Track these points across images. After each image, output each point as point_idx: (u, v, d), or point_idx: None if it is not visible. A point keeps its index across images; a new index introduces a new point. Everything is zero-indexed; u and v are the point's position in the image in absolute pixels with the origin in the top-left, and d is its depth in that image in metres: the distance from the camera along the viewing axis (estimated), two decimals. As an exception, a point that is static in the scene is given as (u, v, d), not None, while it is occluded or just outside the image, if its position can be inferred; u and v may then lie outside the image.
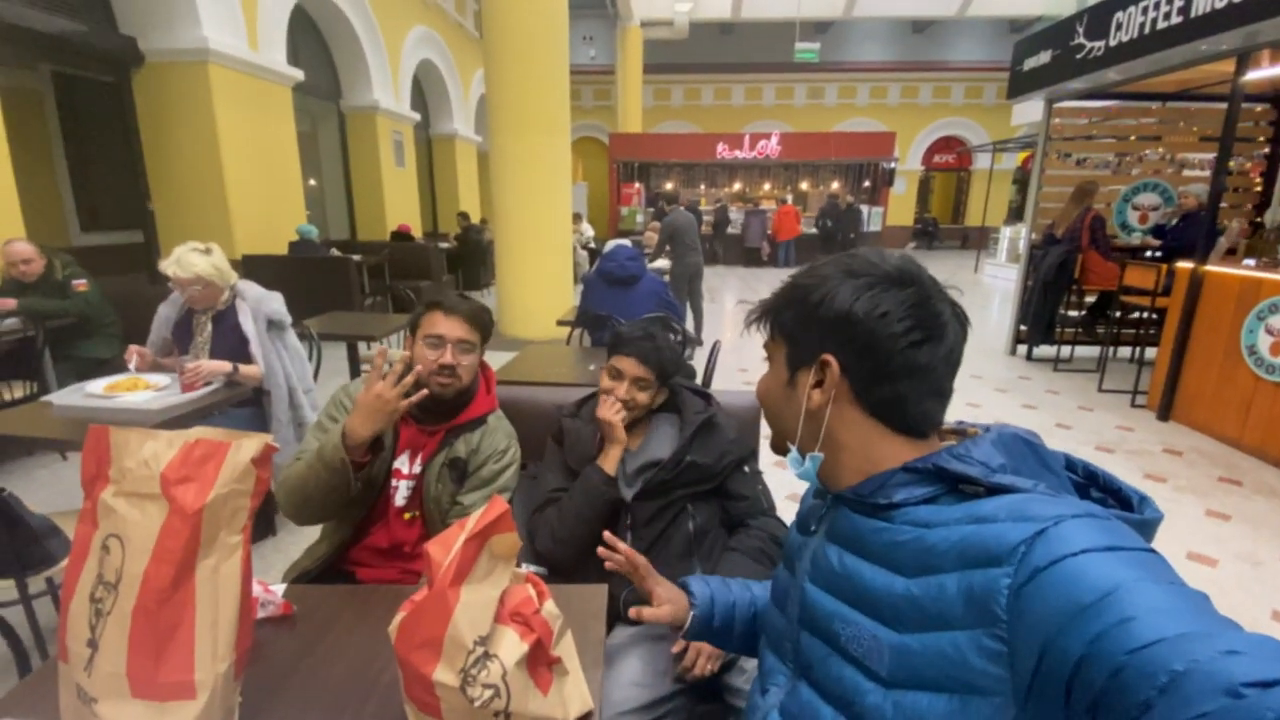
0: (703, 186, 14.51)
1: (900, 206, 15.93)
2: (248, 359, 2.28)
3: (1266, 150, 5.00)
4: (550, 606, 0.73)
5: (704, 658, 1.10)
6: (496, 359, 3.03)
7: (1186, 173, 5.20)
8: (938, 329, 0.62)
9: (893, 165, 13.66)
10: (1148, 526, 0.56)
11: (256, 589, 0.93)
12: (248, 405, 2.37)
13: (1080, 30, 4.42)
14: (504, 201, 5.80)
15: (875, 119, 16.01)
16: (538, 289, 5.94)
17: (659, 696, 1.10)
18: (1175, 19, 3.59)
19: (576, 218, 11.01)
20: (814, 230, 12.46)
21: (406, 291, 5.35)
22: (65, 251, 3.56)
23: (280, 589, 0.99)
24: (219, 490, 0.69)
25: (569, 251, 6.25)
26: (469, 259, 9.18)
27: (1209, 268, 3.67)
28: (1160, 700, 0.39)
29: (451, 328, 1.31)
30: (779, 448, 0.72)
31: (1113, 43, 4.13)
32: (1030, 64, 5.06)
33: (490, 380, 1.44)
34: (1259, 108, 4.91)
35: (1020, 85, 5.25)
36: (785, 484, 2.91)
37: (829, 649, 0.64)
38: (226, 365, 2.18)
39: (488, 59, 5.67)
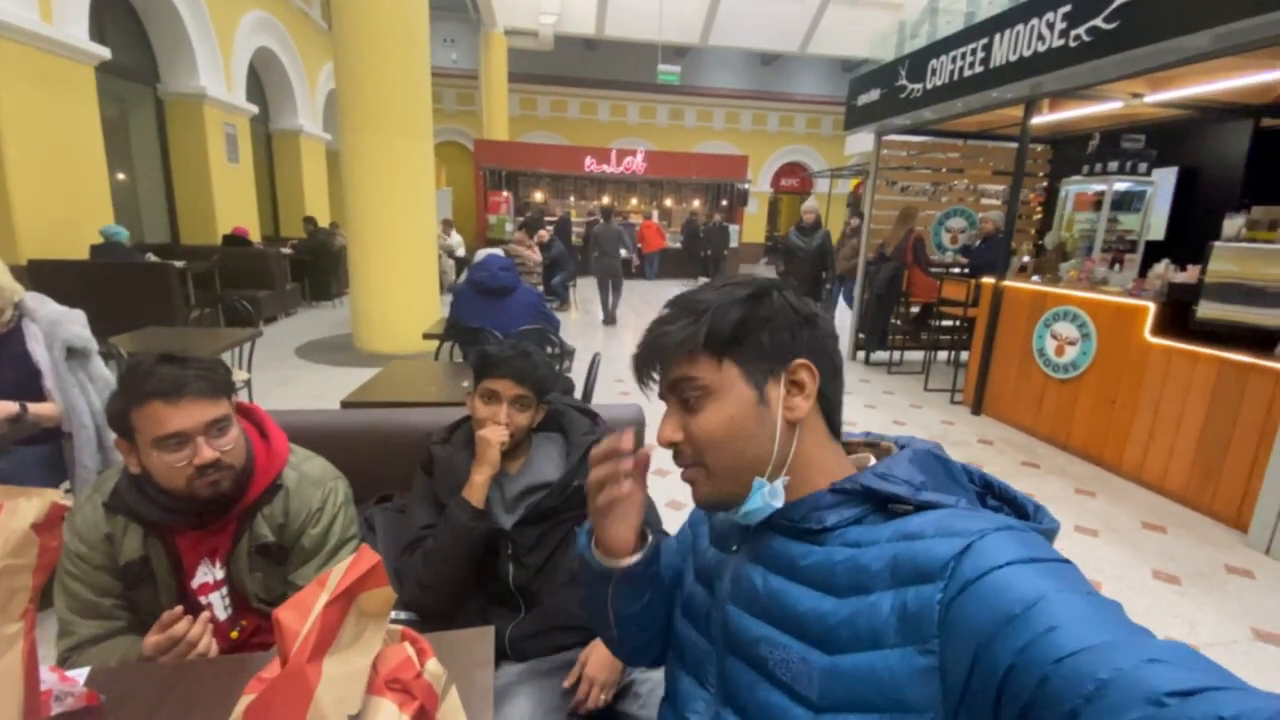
0: (572, 198, 14.54)
1: (753, 225, 17.06)
2: (40, 395, 1.86)
3: (1045, 184, 6.01)
4: (433, 665, 0.65)
5: (597, 688, 1.07)
6: (353, 376, 2.76)
7: (985, 200, 6.10)
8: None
9: (746, 186, 14.61)
10: (1048, 536, 0.58)
11: (48, 679, 0.75)
12: (39, 444, 1.92)
13: (903, 73, 5.03)
14: (359, 204, 5.39)
15: (730, 142, 17.05)
16: (399, 299, 5.57)
17: (552, 732, 1.05)
18: (978, 68, 4.20)
19: (446, 224, 10.54)
20: (677, 245, 13.00)
21: (241, 303, 4.75)
22: None
23: (81, 674, 0.81)
24: None
25: (434, 259, 5.94)
26: (317, 266, 8.42)
27: (1007, 283, 4.31)
28: (1086, 708, 0.40)
29: (188, 416, 0.98)
30: (732, 489, 0.63)
31: (929, 86, 4.74)
32: (863, 99, 5.66)
33: (265, 426, 1.16)
34: (1039, 148, 5.89)
35: (855, 118, 5.84)
36: (664, 492, 2.96)
37: (756, 674, 0.63)
38: (13, 406, 1.76)
39: (338, 52, 5.26)
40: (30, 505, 0.58)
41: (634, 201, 14.94)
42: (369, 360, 5.23)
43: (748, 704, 0.63)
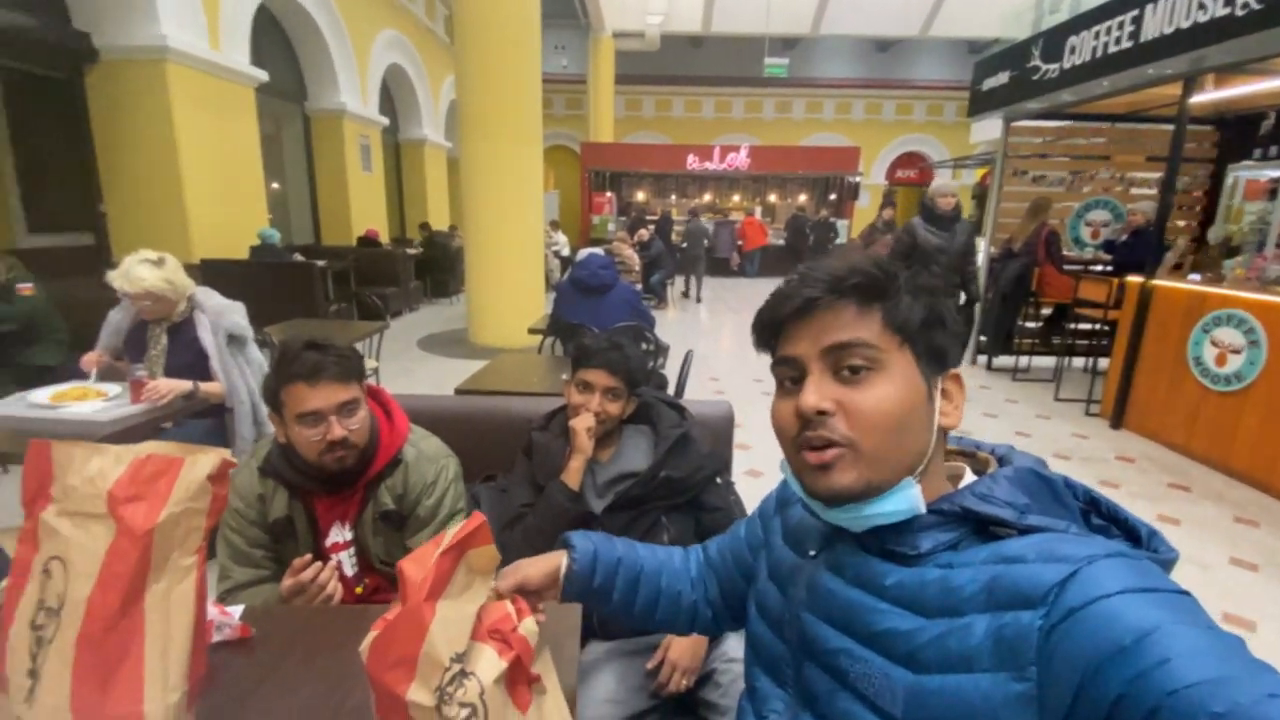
0: (674, 197, 14.62)
1: (865, 220, 16.31)
2: (207, 375, 2.17)
3: (1208, 170, 5.28)
4: (529, 623, 0.70)
5: (679, 673, 1.10)
6: (467, 367, 2.99)
7: (1134, 190, 5.45)
8: None
9: (857, 179, 13.98)
10: (1164, 566, 0.54)
11: (212, 611, 0.88)
12: (207, 417, 2.26)
13: (1036, 53, 4.61)
14: (474, 208, 5.75)
15: (841, 134, 16.38)
16: (509, 296, 5.89)
17: (634, 713, 1.08)
18: (1126, 44, 3.77)
19: (553, 225, 10.98)
20: (780, 242, 12.68)
21: (372, 299, 5.24)
22: (10, 254, 3.40)
23: (238, 610, 0.95)
24: (171, 509, 0.65)
25: (540, 259, 6.21)
26: (437, 266, 9.07)
27: (1157, 282, 3.84)
28: None
29: (325, 397, 1.12)
30: (881, 479, 0.57)
31: (1066, 66, 4.31)
32: (989, 84, 5.25)
33: (389, 405, 1.30)
34: (1202, 129, 5.18)
35: (980, 104, 5.43)
36: (743, 461, 2.93)
37: (835, 684, 0.61)
38: (186, 384, 2.07)
39: (459, 65, 5.63)
40: (206, 460, 0.69)
41: (736, 198, 14.78)
42: (481, 353, 5.57)
43: (828, 712, 0.62)
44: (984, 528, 0.57)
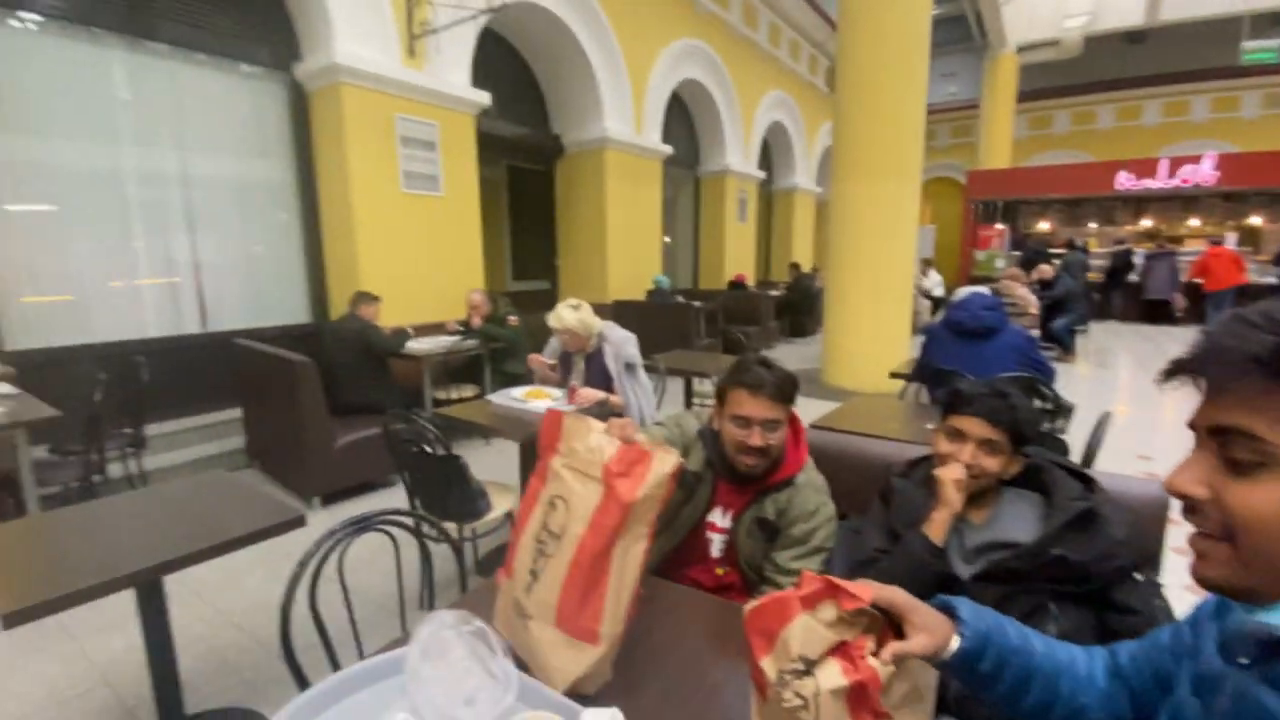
0: (1094, 224, 11.95)
1: None
2: (612, 391, 2.71)
3: None
4: (882, 661, 0.70)
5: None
6: (817, 407, 2.98)
7: None
8: None
9: None
10: None
11: None
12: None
13: None
14: (840, 248, 5.73)
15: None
16: (869, 338, 5.65)
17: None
18: None
19: (925, 264, 10.21)
20: (1272, 279, 9.03)
21: (737, 335, 5.73)
22: (504, 295, 4.82)
23: None
24: (646, 490, 0.84)
25: (908, 300, 5.81)
26: (797, 306, 9.32)
27: None
28: None
29: (758, 408, 1.30)
30: (1259, 585, 0.50)
31: None
32: None
33: (799, 433, 1.42)
34: None
35: None
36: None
37: None
38: (602, 394, 2.62)
39: (838, 111, 5.74)
40: (669, 459, 0.88)
41: (1193, 223, 11.27)
42: (833, 394, 5.47)
43: None
44: None
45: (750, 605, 0.78)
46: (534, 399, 2.62)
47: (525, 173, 6.79)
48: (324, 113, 4.24)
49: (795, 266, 10.20)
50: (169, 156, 3.77)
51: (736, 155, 9.06)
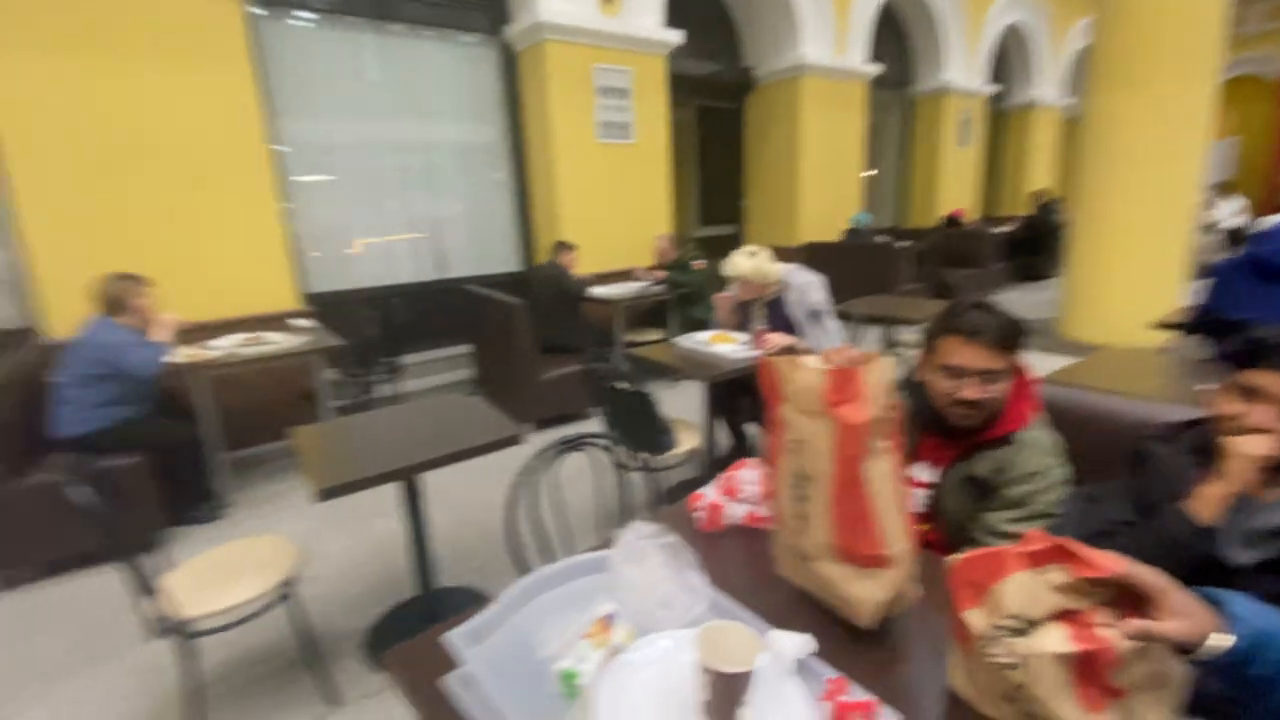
0: None
1: None
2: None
3: None
4: (1115, 633, 0.64)
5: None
6: (1045, 365, 2.59)
7: None
8: None
9: None
10: None
11: None
12: None
13: None
14: (1095, 173, 4.75)
15: None
16: (1124, 283, 4.69)
17: None
18: None
19: (1222, 188, 8.06)
20: None
21: (952, 279, 5.10)
22: (691, 239, 4.86)
23: None
24: (872, 410, 0.83)
25: (1185, 235, 4.68)
26: (1032, 244, 8.01)
27: None
28: None
29: (973, 357, 1.15)
30: None
31: None
32: None
33: (1025, 388, 1.23)
34: None
35: None
36: None
37: None
38: (790, 339, 2.54)
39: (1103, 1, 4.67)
40: (881, 366, 0.86)
41: None
42: (1069, 349, 4.69)
43: None
44: None
45: (956, 557, 0.74)
46: (719, 343, 2.63)
47: (715, 112, 6.62)
48: (530, 71, 4.53)
49: (1039, 195, 8.67)
50: (410, 127, 4.34)
51: (958, 69, 7.88)
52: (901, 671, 0.82)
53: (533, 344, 3.56)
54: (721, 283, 2.81)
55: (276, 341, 3.08)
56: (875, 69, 6.65)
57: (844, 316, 2.94)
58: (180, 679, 1.77)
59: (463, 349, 4.48)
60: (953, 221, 7.80)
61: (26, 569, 2.42)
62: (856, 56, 6.53)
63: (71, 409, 2.48)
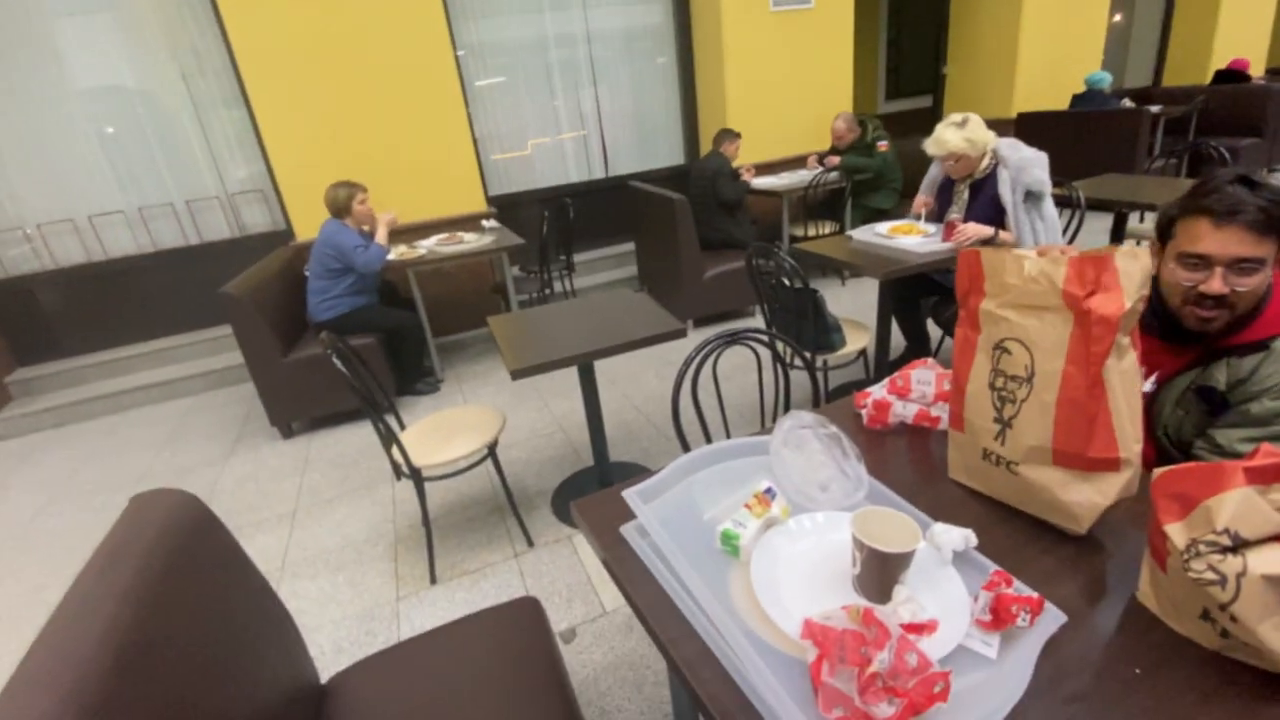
0: None
1: None
2: (1003, 227, 2.26)
3: None
4: None
5: None
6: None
7: None
8: None
9: None
10: None
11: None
12: None
13: None
14: None
15: None
16: None
17: None
18: None
19: None
20: None
21: (1217, 151, 4.01)
22: (874, 117, 4.35)
23: None
24: (1130, 301, 0.76)
25: None
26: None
27: None
28: None
29: (1225, 242, 0.95)
30: None
31: None
32: None
33: None
34: None
35: None
36: None
37: None
38: (988, 230, 2.23)
39: None
40: (1137, 254, 0.77)
41: None
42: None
43: None
44: None
45: (1163, 469, 0.68)
46: (900, 235, 2.41)
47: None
48: (699, -62, 4.18)
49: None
50: (574, 18, 4.29)
51: None
52: (1080, 580, 0.78)
53: (694, 241, 3.55)
54: (911, 166, 2.51)
55: (469, 241, 3.43)
56: None
57: (1063, 202, 2.50)
58: (418, 512, 2.21)
59: (628, 246, 4.61)
60: (1231, 74, 6.05)
61: (302, 423, 3.11)
62: None
63: (318, 298, 3.02)
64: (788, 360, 1.69)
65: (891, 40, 6.09)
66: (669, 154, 4.87)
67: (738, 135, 3.93)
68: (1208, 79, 6.26)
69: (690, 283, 3.64)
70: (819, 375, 2.40)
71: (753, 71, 4.36)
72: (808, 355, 2.01)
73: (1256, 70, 6.55)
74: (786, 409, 1.52)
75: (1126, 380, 0.79)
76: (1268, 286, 1.00)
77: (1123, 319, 0.76)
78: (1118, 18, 6.60)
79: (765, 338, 1.51)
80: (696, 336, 3.49)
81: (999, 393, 0.87)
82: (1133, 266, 0.76)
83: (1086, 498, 0.80)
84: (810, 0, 4.36)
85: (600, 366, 2.01)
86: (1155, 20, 6.80)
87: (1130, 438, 0.79)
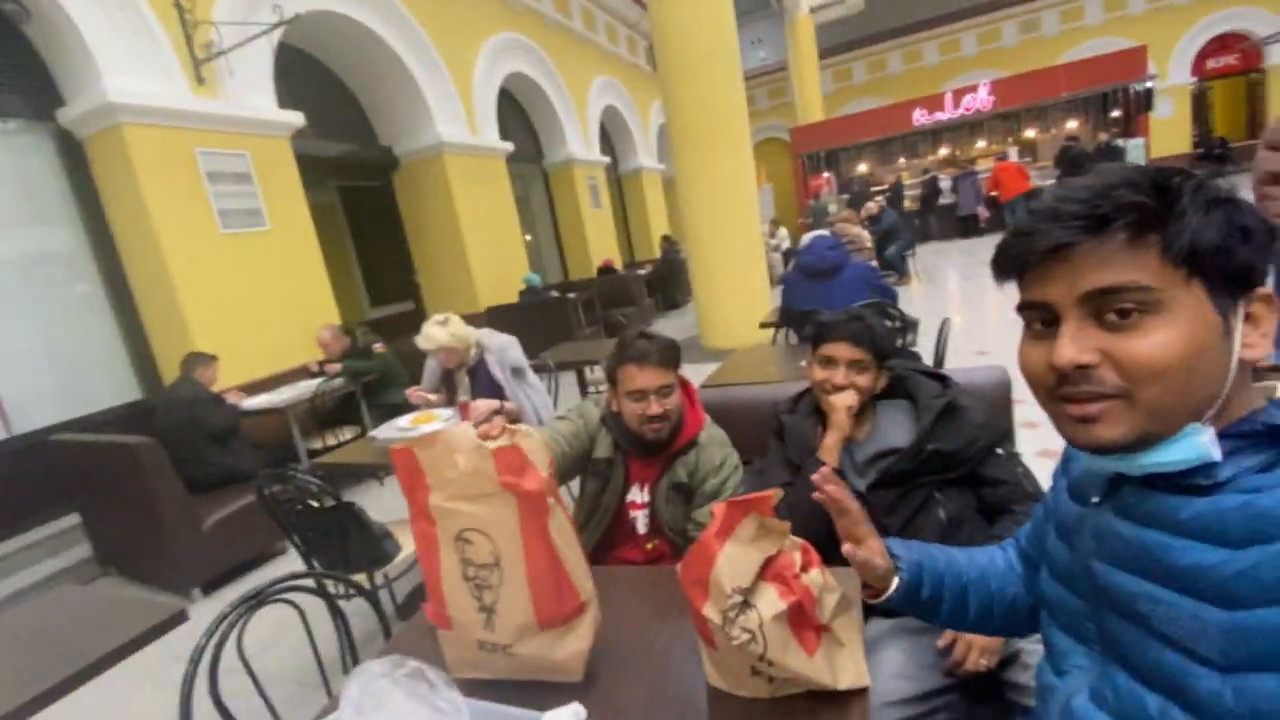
0: (902, 160, 13.32)
1: (1169, 132, 12.78)
2: (505, 400, 2.59)
3: None
4: (815, 575, 0.75)
5: (976, 651, 0.99)
6: (701, 370, 3.12)
7: None
8: None
9: (1149, 85, 11.12)
10: None
11: None
12: None
13: None
14: (694, 220, 5.94)
15: (1115, 36, 13.22)
16: (735, 298, 5.94)
17: (927, 690, 1.01)
18: None
19: (773, 224, 10.88)
20: (1049, 183, 10.62)
21: (617, 318, 5.81)
22: (362, 324, 4.52)
23: None
24: (546, 472, 0.85)
25: (761, 257, 6.17)
26: (666, 280, 9.58)
27: None
28: None
29: (649, 378, 1.35)
30: (1157, 429, 0.51)
31: None
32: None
33: (692, 395, 1.48)
34: None
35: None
36: (1034, 442, 2.49)
37: (1141, 632, 0.55)
38: (495, 403, 2.47)
39: (664, 88, 5.89)
40: (525, 432, 0.87)
41: (981, 144, 12.89)
42: (713, 356, 5.71)
43: (1139, 663, 0.56)
44: None
45: (680, 563, 0.81)
46: (423, 424, 2.48)
47: (361, 191, 6.37)
48: (106, 160, 3.71)
49: (667, 239, 10.39)
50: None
51: (578, 143, 9.08)
52: (664, 690, 0.87)
53: (178, 486, 2.84)
54: (411, 364, 2.66)
55: None
56: (508, 146, 7.22)
57: (540, 369, 3.06)
58: None
59: (66, 521, 3.33)
60: (605, 270, 8.88)
61: None
62: (490, 134, 7.00)
63: None
64: (345, 593, 1.46)
65: (361, 255, 6.58)
66: (114, 391, 3.87)
67: (213, 358, 3.44)
68: (595, 273, 8.99)
69: (184, 540, 2.84)
70: (386, 592, 2.17)
71: (216, 293, 3.97)
72: (361, 579, 1.80)
73: (619, 265, 9.81)
74: (354, 655, 1.29)
75: (564, 534, 0.87)
76: (681, 402, 1.44)
77: (548, 486, 0.85)
78: (529, 237, 8.91)
79: (309, 581, 1.27)
80: (210, 609, 2.71)
81: (474, 582, 0.88)
82: (532, 444, 0.86)
83: (572, 648, 0.87)
84: (264, 222, 4.34)
85: (62, 713, 1.30)
86: (551, 239, 9.46)
87: (583, 578, 0.89)
